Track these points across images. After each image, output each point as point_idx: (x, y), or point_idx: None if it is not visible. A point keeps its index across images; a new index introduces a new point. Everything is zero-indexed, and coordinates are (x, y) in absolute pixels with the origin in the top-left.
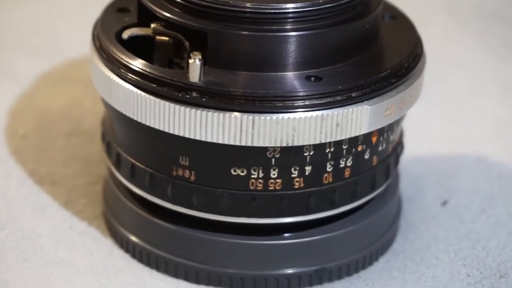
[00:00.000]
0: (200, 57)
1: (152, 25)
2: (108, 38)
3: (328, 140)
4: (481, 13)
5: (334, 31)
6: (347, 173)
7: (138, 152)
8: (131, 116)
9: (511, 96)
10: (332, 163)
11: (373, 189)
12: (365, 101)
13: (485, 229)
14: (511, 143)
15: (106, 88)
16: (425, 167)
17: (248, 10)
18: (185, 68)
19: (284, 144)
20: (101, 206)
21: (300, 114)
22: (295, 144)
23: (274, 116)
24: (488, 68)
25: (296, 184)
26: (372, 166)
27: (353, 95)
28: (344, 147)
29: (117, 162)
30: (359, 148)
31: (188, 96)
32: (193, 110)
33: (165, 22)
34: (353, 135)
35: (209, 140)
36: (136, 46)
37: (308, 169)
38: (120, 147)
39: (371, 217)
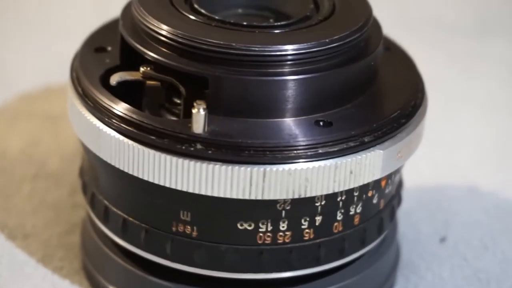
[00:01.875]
0: (204, 106)
1: (142, 69)
2: (92, 83)
3: (341, 189)
4: (440, 26)
5: (341, 72)
6: (356, 220)
7: (132, 207)
8: (126, 170)
9: (486, 115)
10: (342, 211)
11: (380, 234)
12: (377, 146)
13: (493, 268)
14: (498, 167)
15: (94, 139)
16: (413, 200)
17: (254, 52)
18: (181, 115)
19: (296, 196)
20: (80, 259)
21: (313, 164)
22: (308, 195)
23: (286, 167)
24: (457, 85)
25: (306, 235)
26: (379, 210)
27: (366, 140)
28: (355, 194)
29: (105, 216)
30: (369, 194)
31: (192, 148)
32: (198, 164)
33: (155, 65)
34: (366, 182)
35: (215, 195)
36: (119, 89)
37: (318, 219)
38: (108, 201)
39: (378, 262)
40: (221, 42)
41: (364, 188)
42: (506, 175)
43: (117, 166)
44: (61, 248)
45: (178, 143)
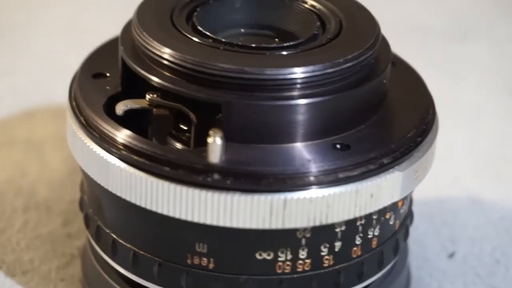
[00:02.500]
0: (221, 135)
1: (148, 96)
2: (96, 112)
3: (362, 214)
4: (416, 31)
5: (356, 92)
6: (374, 243)
7: (143, 240)
8: (138, 203)
9: (477, 123)
10: (361, 235)
11: (396, 255)
12: (396, 167)
13: (507, 283)
14: (499, 178)
15: (101, 172)
16: (416, 214)
17: (268, 76)
18: (191, 143)
19: (317, 223)
20: None
21: (334, 189)
22: (329, 222)
23: (307, 194)
24: (442, 92)
25: (326, 262)
26: (395, 230)
27: (385, 161)
28: (374, 217)
29: (113, 249)
30: (387, 216)
31: (209, 179)
32: (215, 194)
33: (162, 91)
34: (386, 205)
35: (234, 226)
36: (123, 118)
37: (338, 245)
38: (116, 234)
39: (394, 283)
40: (233, 67)
41: (382, 211)
42: (508, 185)
43: (128, 199)
44: (61, 282)
45: (194, 174)
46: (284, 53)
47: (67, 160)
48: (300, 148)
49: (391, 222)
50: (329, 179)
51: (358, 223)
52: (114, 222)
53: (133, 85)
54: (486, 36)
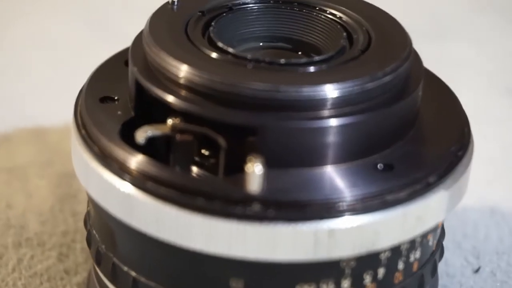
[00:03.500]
0: (260, 163)
1: (170, 122)
2: (114, 141)
3: (408, 238)
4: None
5: (398, 106)
6: (415, 266)
7: (170, 278)
8: (167, 239)
9: (478, 127)
10: (404, 259)
11: (433, 276)
12: (441, 185)
13: None
14: None
15: (122, 206)
16: None
17: (307, 96)
18: (220, 170)
19: (363, 251)
20: None
21: (382, 214)
22: (375, 248)
23: (354, 220)
24: None
25: None
26: (433, 251)
27: (430, 180)
28: (418, 240)
29: None
30: (428, 237)
31: (249, 210)
32: (256, 226)
33: (185, 116)
34: (431, 226)
35: (276, 258)
36: (140, 146)
37: (381, 272)
38: (138, 272)
39: None
40: (268, 87)
41: (425, 233)
42: None
43: (155, 235)
44: None
45: (231, 205)
46: (316, 68)
47: (52, 187)
48: (341, 171)
49: (430, 243)
50: (377, 203)
51: (402, 247)
52: (135, 260)
53: (148, 109)
54: (466, 34)
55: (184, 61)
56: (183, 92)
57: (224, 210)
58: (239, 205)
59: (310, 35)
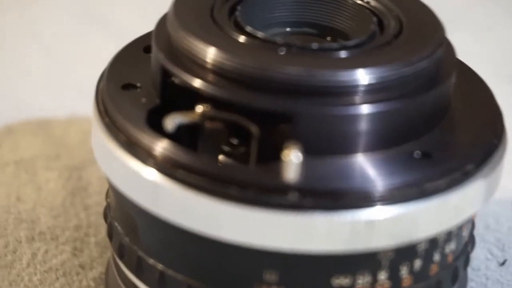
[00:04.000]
0: (299, 151)
1: (200, 109)
2: (142, 129)
3: (446, 227)
4: None
5: (436, 92)
6: (450, 258)
7: (199, 270)
8: (197, 230)
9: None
10: (440, 251)
11: (465, 268)
12: (478, 174)
13: None
14: None
15: (149, 196)
16: None
17: (345, 81)
18: (252, 159)
19: (403, 241)
20: None
21: (421, 203)
22: (414, 238)
23: (393, 211)
24: None
25: (405, 282)
26: (466, 241)
27: (468, 169)
28: (454, 231)
29: (161, 283)
30: (463, 228)
31: (285, 199)
32: (293, 216)
33: (215, 102)
34: (468, 216)
35: (312, 249)
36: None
37: (417, 263)
38: (165, 264)
39: None
40: (303, 72)
41: (462, 223)
42: None
43: (184, 225)
44: None
45: (266, 194)
46: (350, 53)
47: (62, 180)
48: (379, 159)
49: (464, 234)
50: (415, 192)
51: (439, 238)
52: (162, 252)
53: (174, 95)
54: (467, 23)
55: (213, 45)
56: (212, 78)
57: (259, 199)
58: (275, 194)
59: (337, 20)
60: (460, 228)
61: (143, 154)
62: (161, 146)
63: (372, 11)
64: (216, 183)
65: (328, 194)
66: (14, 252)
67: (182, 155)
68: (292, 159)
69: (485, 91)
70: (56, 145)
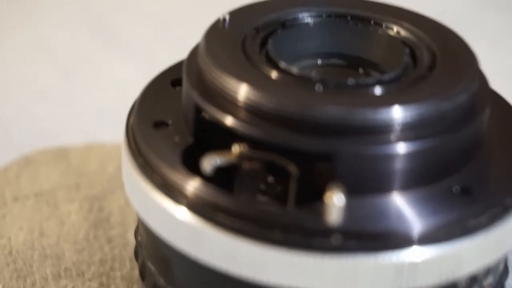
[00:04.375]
0: (342, 193)
1: (237, 149)
2: (176, 170)
3: (487, 263)
4: None
5: (473, 125)
6: None
7: None
8: (239, 274)
9: None
10: (478, 285)
11: None
12: None
13: None
14: None
15: (191, 240)
16: None
17: (386, 119)
18: (289, 199)
19: (446, 279)
20: None
21: (465, 241)
22: (456, 276)
23: (439, 249)
24: None
25: None
26: (501, 273)
27: (507, 203)
28: (492, 264)
29: None
30: (500, 260)
31: (329, 242)
32: (338, 259)
33: (252, 142)
34: (508, 249)
35: None
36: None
37: None
38: None
39: None
40: (343, 112)
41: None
42: None
43: (225, 270)
44: None
45: (310, 237)
46: (387, 89)
47: (83, 212)
48: (420, 197)
49: (500, 266)
50: (458, 230)
51: (479, 273)
52: None
53: (208, 134)
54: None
55: (249, 83)
56: (248, 117)
57: (303, 243)
58: (318, 237)
59: (368, 51)
60: (497, 261)
61: (180, 197)
62: (198, 189)
63: (403, 41)
64: (258, 227)
65: (372, 235)
66: None
67: (221, 198)
68: (335, 202)
69: (505, 105)
70: (75, 174)
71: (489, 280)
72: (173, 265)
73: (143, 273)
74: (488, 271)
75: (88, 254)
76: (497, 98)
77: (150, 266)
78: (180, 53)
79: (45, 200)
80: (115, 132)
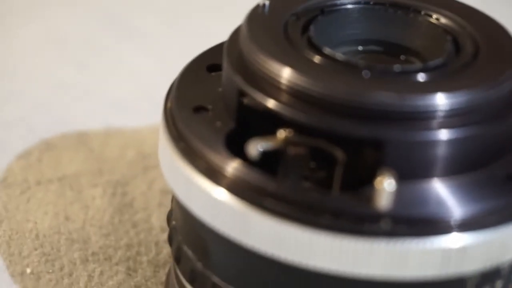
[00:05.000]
0: (392, 179)
1: (282, 134)
2: (221, 154)
3: None
4: None
5: None
6: None
7: None
8: (286, 259)
9: None
10: None
11: None
12: None
13: None
14: None
15: (235, 225)
16: None
17: (436, 105)
18: (335, 185)
19: (491, 264)
20: None
21: (510, 228)
22: (501, 261)
23: (486, 236)
24: None
25: None
26: None
27: None
28: None
29: None
30: None
31: (379, 227)
32: (385, 244)
33: (297, 127)
34: None
35: (403, 276)
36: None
37: (499, 284)
38: None
39: None
40: (393, 97)
41: None
42: None
43: (273, 255)
44: None
45: (359, 222)
46: (434, 75)
47: (108, 197)
48: (468, 182)
49: None
50: (506, 216)
51: None
52: (242, 280)
53: (252, 119)
54: None
55: (296, 69)
56: (294, 102)
57: (352, 228)
58: (368, 222)
59: (408, 38)
60: None
61: (225, 181)
62: (244, 173)
63: (445, 29)
64: (307, 212)
65: (420, 220)
66: (71, 275)
67: (268, 183)
68: (386, 187)
69: None
70: (97, 159)
71: None
72: (213, 250)
73: (179, 258)
74: None
75: (115, 239)
76: None
77: (187, 250)
78: (190, 44)
79: (68, 184)
80: (132, 120)
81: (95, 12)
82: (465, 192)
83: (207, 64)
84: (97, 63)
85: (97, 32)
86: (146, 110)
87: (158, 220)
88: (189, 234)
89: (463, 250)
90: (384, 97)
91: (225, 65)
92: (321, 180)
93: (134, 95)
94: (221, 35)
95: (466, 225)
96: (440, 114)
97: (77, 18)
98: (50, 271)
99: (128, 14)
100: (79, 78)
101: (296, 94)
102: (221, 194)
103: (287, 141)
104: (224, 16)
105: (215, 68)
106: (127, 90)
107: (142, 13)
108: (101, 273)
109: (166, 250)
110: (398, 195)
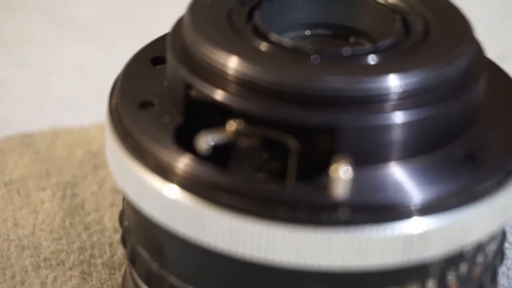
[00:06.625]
0: (348, 167)
1: (232, 126)
2: (171, 150)
3: (494, 229)
4: None
5: (474, 91)
6: (489, 257)
7: None
8: (243, 254)
9: None
10: (482, 251)
11: (501, 265)
12: None
13: None
14: None
15: (190, 223)
16: None
17: (388, 88)
18: (289, 175)
19: (454, 248)
20: None
21: (472, 209)
22: (464, 244)
23: (448, 218)
24: None
25: None
26: (501, 240)
27: (511, 167)
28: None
29: None
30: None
31: (337, 216)
32: (343, 233)
33: (248, 118)
34: None
35: (364, 264)
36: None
37: (463, 267)
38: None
39: None
40: (345, 82)
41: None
42: None
43: (230, 251)
44: None
45: (316, 213)
46: (386, 57)
47: (57, 199)
48: (425, 164)
49: (500, 231)
50: (466, 197)
51: (484, 239)
52: (199, 279)
53: (200, 111)
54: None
55: (243, 57)
56: (242, 92)
57: (310, 219)
58: (325, 212)
59: (355, 19)
60: (501, 227)
61: (176, 177)
62: (195, 168)
63: (393, 9)
64: (262, 205)
65: (379, 207)
66: (23, 283)
67: (220, 177)
68: (342, 175)
69: (504, 76)
70: (44, 161)
71: (492, 247)
72: (168, 249)
73: (134, 260)
74: (491, 238)
75: (67, 243)
76: (491, 65)
77: (142, 251)
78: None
79: (15, 189)
80: (79, 117)
81: (32, 4)
82: (424, 174)
83: (150, 57)
84: (38, 59)
85: (36, 25)
86: (94, 107)
87: (111, 221)
88: (142, 234)
89: (424, 234)
90: (335, 82)
91: (169, 57)
92: (275, 171)
93: (80, 91)
94: (169, 24)
95: (426, 209)
96: (394, 96)
97: (13, 12)
98: (2, 280)
99: (68, 4)
100: (21, 76)
101: (244, 84)
102: (172, 191)
103: (237, 133)
104: (171, 3)
105: (159, 61)
106: (72, 86)
107: (83, 2)
108: (55, 279)
109: (121, 251)
110: (355, 182)
